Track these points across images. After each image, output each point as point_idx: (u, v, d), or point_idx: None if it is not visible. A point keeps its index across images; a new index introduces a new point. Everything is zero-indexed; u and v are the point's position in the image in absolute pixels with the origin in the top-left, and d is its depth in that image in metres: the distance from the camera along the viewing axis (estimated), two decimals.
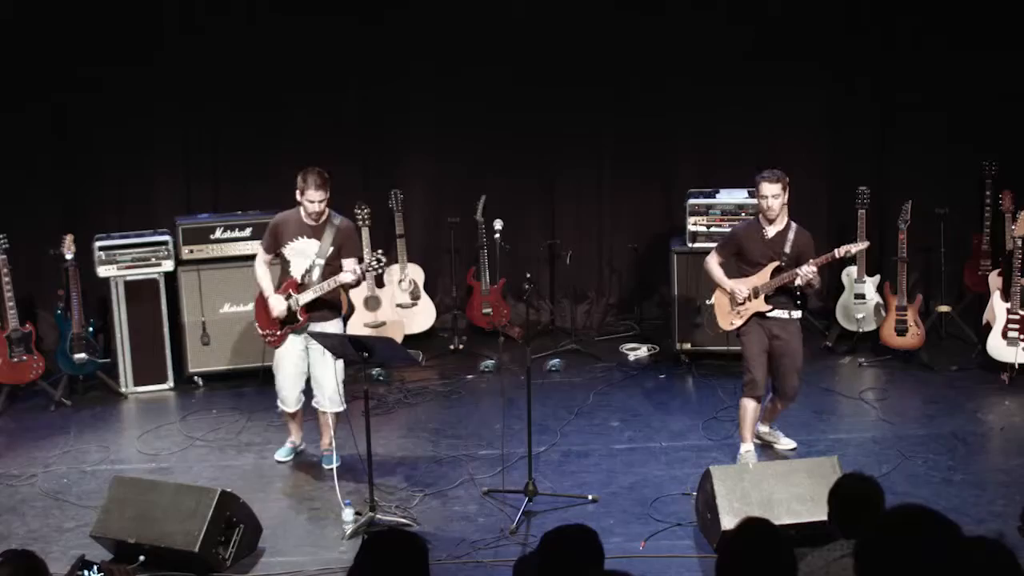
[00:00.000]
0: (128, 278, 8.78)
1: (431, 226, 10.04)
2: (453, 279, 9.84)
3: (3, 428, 8.28)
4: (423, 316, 9.65)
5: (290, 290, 7.07)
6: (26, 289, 9.08)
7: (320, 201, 6.94)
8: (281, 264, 7.17)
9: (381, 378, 8.87)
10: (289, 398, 7.31)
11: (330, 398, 7.19)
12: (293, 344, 7.17)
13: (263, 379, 8.16)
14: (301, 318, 7.08)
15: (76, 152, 9.49)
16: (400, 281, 9.51)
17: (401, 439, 7.86)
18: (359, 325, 9.27)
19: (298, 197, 7.02)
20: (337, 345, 6.79)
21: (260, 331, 7.27)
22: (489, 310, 9.69)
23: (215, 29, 9.46)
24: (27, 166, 9.39)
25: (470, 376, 9.04)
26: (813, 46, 9.63)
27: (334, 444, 7.12)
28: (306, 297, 7.01)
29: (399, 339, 9.11)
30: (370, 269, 6.94)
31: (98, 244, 8.78)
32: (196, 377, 8.99)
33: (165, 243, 8.83)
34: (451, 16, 9.65)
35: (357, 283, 7.19)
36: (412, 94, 9.86)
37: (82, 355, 8.64)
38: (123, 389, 8.83)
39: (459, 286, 9.86)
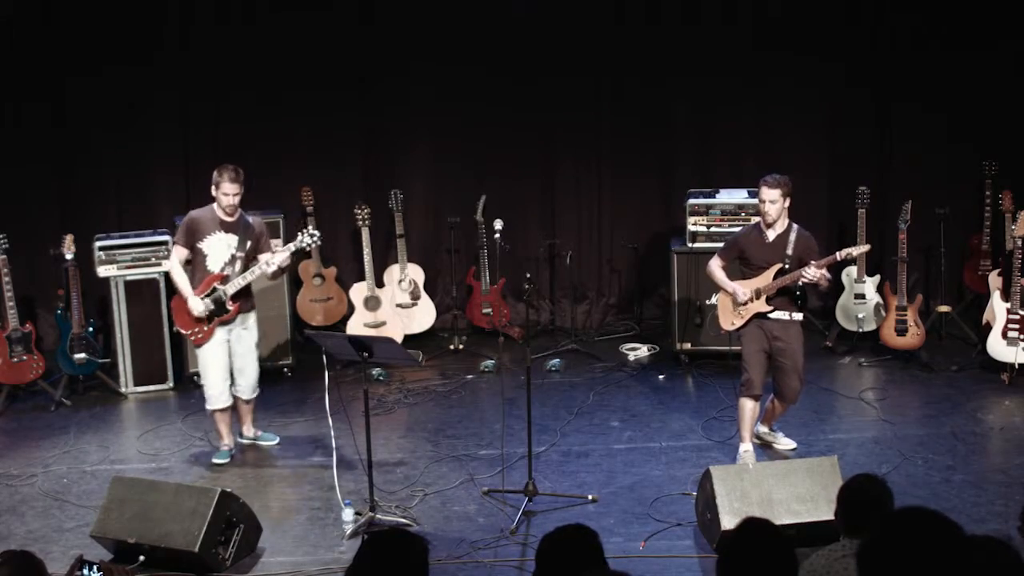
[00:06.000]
0: (128, 278, 8.78)
1: (431, 226, 10.05)
2: (453, 279, 9.84)
3: (3, 428, 8.28)
4: (423, 316, 9.65)
5: (215, 284, 7.22)
6: (26, 289, 9.09)
7: (235, 195, 7.21)
8: (195, 260, 7.30)
9: (381, 378, 8.87)
10: (222, 395, 7.45)
11: (252, 387, 7.58)
12: (218, 338, 7.31)
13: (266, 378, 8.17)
14: (231, 308, 7.26)
15: (76, 152, 9.50)
16: (400, 281, 9.51)
17: (401, 439, 7.86)
18: (359, 325, 9.28)
19: (213, 192, 7.24)
20: (337, 345, 6.79)
21: (184, 331, 7.43)
22: (489, 310, 9.68)
23: (214, 29, 9.46)
24: (27, 166, 9.39)
25: (470, 376, 9.03)
26: (813, 46, 9.63)
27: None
28: (232, 288, 7.22)
29: (399, 339, 9.11)
30: (303, 246, 7.35)
31: (98, 244, 8.77)
32: (196, 377, 8.97)
33: (165, 243, 8.81)
34: (451, 15, 9.65)
35: (282, 271, 7.78)
36: (412, 94, 9.86)
37: (82, 355, 8.64)
38: (123, 389, 8.83)
39: (459, 286, 9.86)
